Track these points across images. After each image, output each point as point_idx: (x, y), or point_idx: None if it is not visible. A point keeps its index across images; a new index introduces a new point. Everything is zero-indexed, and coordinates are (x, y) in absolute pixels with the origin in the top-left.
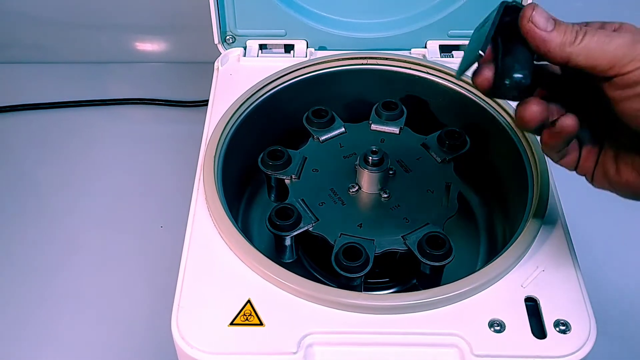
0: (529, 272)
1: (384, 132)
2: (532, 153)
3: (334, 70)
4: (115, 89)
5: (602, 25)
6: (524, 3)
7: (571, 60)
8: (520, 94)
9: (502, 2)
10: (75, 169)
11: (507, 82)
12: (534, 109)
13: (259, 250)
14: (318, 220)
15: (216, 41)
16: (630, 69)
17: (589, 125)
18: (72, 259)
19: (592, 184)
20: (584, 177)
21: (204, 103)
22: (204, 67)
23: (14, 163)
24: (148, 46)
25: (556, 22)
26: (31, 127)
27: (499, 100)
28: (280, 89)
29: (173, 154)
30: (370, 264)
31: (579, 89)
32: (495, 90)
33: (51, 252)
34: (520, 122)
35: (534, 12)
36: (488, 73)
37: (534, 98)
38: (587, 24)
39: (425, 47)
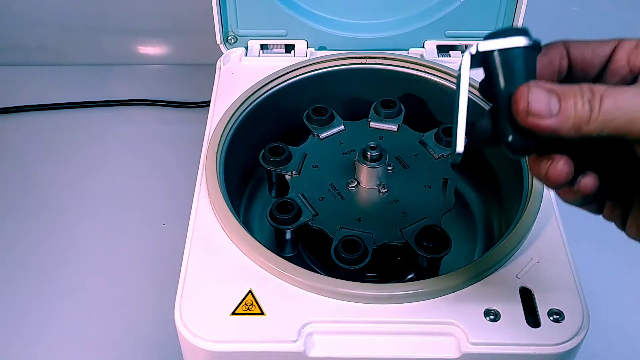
0: (524, 263)
1: (383, 129)
2: None
3: (334, 70)
4: (119, 91)
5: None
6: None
7: (593, 136)
8: (529, 153)
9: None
10: (79, 169)
11: (503, 149)
12: (562, 169)
13: (260, 243)
14: (318, 214)
15: (218, 41)
16: None
17: (613, 180)
18: (76, 256)
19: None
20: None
21: (206, 104)
22: (206, 69)
23: (18, 163)
24: (150, 48)
25: (561, 96)
26: (35, 128)
27: None
28: (281, 87)
29: (175, 154)
30: (369, 257)
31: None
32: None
33: (56, 251)
34: (543, 180)
35: (530, 100)
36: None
37: (561, 156)
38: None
39: (423, 47)
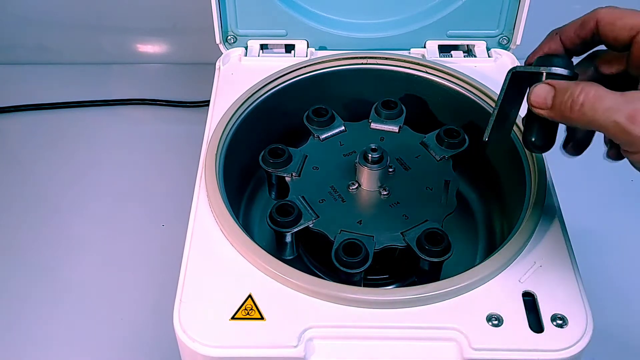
0: (527, 267)
1: (384, 130)
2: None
3: (334, 70)
4: (118, 90)
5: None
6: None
7: (587, 123)
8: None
9: (510, 70)
10: (78, 169)
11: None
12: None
13: (260, 246)
14: (318, 217)
15: (218, 41)
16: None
17: None
18: (75, 257)
19: None
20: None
21: (206, 103)
22: (205, 68)
23: (17, 163)
24: (150, 47)
25: (556, 89)
26: (34, 127)
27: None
28: (281, 88)
29: (175, 154)
30: (370, 260)
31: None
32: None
33: (54, 251)
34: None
35: (532, 92)
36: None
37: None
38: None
39: (425, 47)
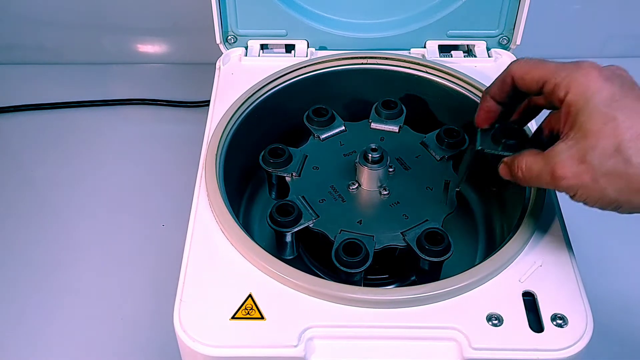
0: (527, 267)
1: (384, 130)
2: None
3: (334, 70)
4: (118, 90)
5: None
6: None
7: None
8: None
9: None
10: (78, 169)
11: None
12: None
13: (260, 246)
14: (318, 216)
15: (218, 41)
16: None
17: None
18: (75, 258)
19: None
20: None
21: (206, 103)
22: (206, 68)
23: (16, 163)
24: (150, 47)
25: (508, 166)
26: (34, 127)
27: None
28: (281, 88)
29: (175, 154)
30: (370, 260)
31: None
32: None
33: (54, 252)
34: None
35: (499, 169)
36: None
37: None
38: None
39: (425, 47)
